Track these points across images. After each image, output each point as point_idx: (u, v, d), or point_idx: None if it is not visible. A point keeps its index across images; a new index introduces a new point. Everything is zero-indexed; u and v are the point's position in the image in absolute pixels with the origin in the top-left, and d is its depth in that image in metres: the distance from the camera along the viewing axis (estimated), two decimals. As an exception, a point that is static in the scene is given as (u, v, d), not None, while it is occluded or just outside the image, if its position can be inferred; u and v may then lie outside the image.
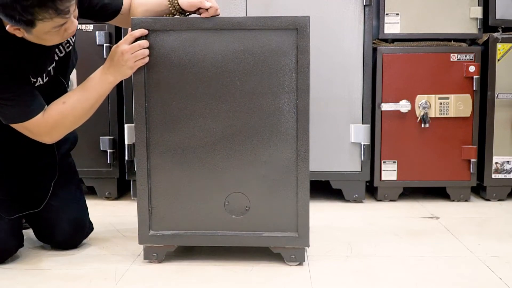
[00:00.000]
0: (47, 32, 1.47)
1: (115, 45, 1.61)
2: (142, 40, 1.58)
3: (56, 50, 1.69)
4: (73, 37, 1.75)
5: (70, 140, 1.91)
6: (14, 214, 1.71)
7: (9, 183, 1.75)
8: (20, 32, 1.48)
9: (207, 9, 1.58)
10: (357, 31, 2.39)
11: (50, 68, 1.68)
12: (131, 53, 1.57)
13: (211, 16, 1.59)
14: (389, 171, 2.48)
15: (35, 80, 1.62)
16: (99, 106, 1.68)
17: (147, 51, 1.59)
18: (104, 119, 2.48)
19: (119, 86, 2.48)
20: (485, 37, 2.47)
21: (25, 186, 1.79)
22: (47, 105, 1.65)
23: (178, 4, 1.64)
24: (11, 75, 1.54)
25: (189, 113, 1.62)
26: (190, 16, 1.66)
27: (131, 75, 1.62)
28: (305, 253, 1.72)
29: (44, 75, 1.66)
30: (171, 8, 1.65)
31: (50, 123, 1.62)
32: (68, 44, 1.73)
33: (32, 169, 1.81)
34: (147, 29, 1.59)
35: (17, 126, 1.62)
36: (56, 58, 1.70)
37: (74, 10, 1.49)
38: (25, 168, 1.80)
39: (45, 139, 1.67)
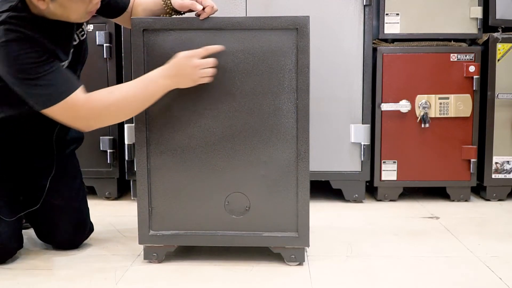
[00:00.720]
0: None
1: (185, 54, 1.55)
2: (213, 58, 1.56)
3: (75, 35, 1.68)
4: (86, 24, 1.75)
5: (76, 139, 1.91)
6: (14, 216, 1.71)
7: (9, 184, 1.75)
8: (44, 3, 1.47)
9: (203, 9, 1.58)
10: (357, 31, 2.39)
11: (70, 52, 1.67)
12: (201, 68, 1.55)
13: (209, 16, 1.59)
14: (389, 171, 2.48)
15: (63, 63, 1.61)
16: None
17: (215, 71, 1.57)
18: (104, 119, 2.48)
19: (119, 86, 2.48)
20: (485, 37, 2.47)
21: (25, 187, 1.79)
22: None
23: (171, 4, 1.65)
24: (43, 52, 1.50)
25: (189, 113, 1.62)
26: (189, 15, 1.66)
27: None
28: (305, 253, 1.72)
29: (68, 59, 1.64)
30: (165, 8, 1.66)
31: (90, 107, 1.54)
32: (83, 32, 1.73)
33: (32, 170, 1.80)
34: (147, 29, 1.59)
35: (54, 109, 1.51)
36: (74, 42, 1.69)
37: None
38: (26, 170, 1.79)
39: (80, 124, 1.59)
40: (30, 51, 1.48)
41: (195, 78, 1.55)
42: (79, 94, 1.54)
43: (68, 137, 1.86)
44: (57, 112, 1.53)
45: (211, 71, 1.56)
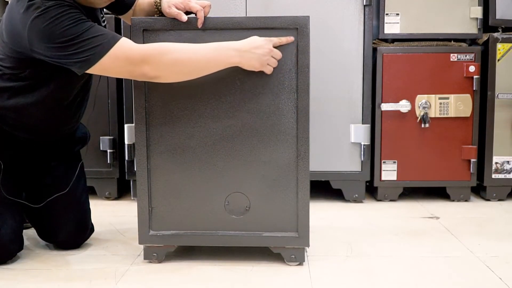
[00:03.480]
0: None
1: (264, 38, 1.55)
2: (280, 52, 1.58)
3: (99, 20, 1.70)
4: (103, 14, 1.77)
5: (83, 139, 1.91)
6: (18, 217, 1.72)
7: (17, 184, 1.74)
8: None
9: (195, 13, 1.59)
10: (357, 31, 2.39)
11: None
12: (272, 55, 1.56)
13: (208, 17, 1.59)
14: (389, 171, 2.48)
15: None
16: (200, 74, 1.55)
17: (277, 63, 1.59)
18: (104, 119, 2.48)
19: (119, 86, 2.48)
20: (485, 37, 2.47)
21: (29, 184, 1.79)
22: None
23: (161, 8, 1.67)
24: (81, 13, 1.50)
25: (189, 113, 1.62)
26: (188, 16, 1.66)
27: None
28: (305, 253, 1.72)
29: None
30: (156, 10, 1.68)
31: (149, 48, 1.50)
32: (104, 18, 1.76)
33: (38, 168, 1.79)
34: (147, 29, 1.59)
35: (106, 60, 1.47)
36: None
37: None
38: (31, 167, 1.79)
39: (136, 72, 1.50)
40: (69, 12, 1.47)
41: (263, 62, 1.56)
42: (128, 41, 1.51)
43: (75, 137, 1.87)
44: (111, 62, 1.48)
45: (276, 62, 1.57)
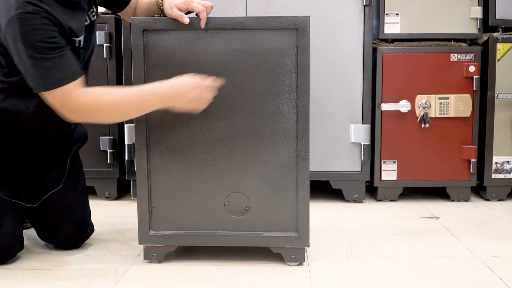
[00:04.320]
0: None
1: (196, 80, 1.56)
2: (215, 91, 1.59)
3: (87, 15, 1.70)
4: (95, 8, 1.76)
5: (81, 139, 1.91)
6: (18, 217, 1.72)
7: (16, 184, 1.74)
8: None
9: (198, 13, 1.59)
10: (357, 31, 2.39)
11: (83, 30, 1.67)
12: (202, 99, 1.57)
13: (208, 17, 1.59)
14: (389, 171, 2.48)
15: (78, 38, 1.62)
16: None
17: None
18: (104, 119, 2.48)
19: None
20: (485, 37, 2.47)
21: (28, 184, 1.79)
22: None
23: (163, 8, 1.67)
24: (59, 33, 1.51)
25: (189, 113, 1.62)
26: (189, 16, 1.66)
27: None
28: (305, 253, 1.72)
29: (82, 34, 1.65)
30: (158, 10, 1.69)
31: (83, 101, 1.55)
32: (94, 13, 1.75)
33: (37, 168, 1.80)
34: (147, 29, 1.59)
35: (49, 94, 1.53)
36: (86, 22, 1.69)
37: None
38: (30, 167, 1.79)
39: (68, 114, 1.57)
40: (45, 29, 1.48)
41: (195, 105, 1.58)
42: (77, 85, 1.55)
43: (73, 137, 1.86)
44: (52, 97, 1.54)
45: (208, 102, 1.58)
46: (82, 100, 1.55)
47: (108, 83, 2.44)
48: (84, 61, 1.72)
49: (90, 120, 1.62)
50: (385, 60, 2.43)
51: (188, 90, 1.55)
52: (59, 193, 1.77)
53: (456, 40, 2.46)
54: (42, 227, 1.84)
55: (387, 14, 2.44)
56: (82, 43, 1.65)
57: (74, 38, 1.61)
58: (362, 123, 2.43)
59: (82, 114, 1.59)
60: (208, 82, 1.57)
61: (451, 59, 2.42)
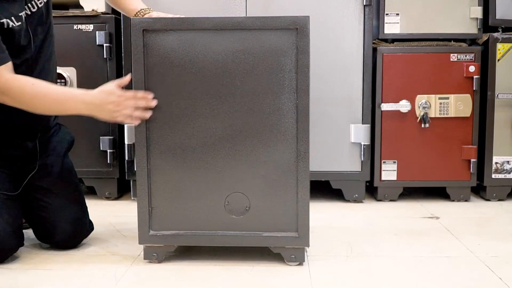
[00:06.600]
0: None
1: (120, 93, 1.59)
2: (134, 102, 1.60)
3: (26, 6, 1.68)
4: None
5: (66, 140, 1.91)
6: (15, 211, 1.72)
7: (9, 181, 1.75)
8: None
9: None
10: (357, 31, 2.39)
11: (22, 14, 1.66)
12: (121, 109, 1.59)
13: (209, 17, 1.60)
14: (389, 171, 2.48)
15: (6, 21, 1.61)
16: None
17: (140, 113, 1.61)
18: (104, 119, 2.48)
19: (119, 86, 2.49)
20: (485, 37, 2.47)
21: (20, 184, 1.79)
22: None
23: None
24: None
25: (189, 113, 1.62)
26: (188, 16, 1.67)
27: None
28: (305, 253, 1.72)
29: (13, 18, 1.63)
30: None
31: (8, 87, 1.59)
32: (42, 2, 1.73)
33: (28, 168, 1.80)
34: (147, 29, 1.59)
35: None
36: (28, 12, 1.68)
37: None
38: (22, 167, 1.79)
39: (4, 99, 1.62)
40: None
41: (114, 116, 1.60)
42: (3, 70, 1.57)
43: (59, 138, 1.87)
44: None
45: (131, 113, 1.59)
46: (7, 86, 1.59)
47: (108, 83, 2.44)
48: (36, 50, 1.72)
49: (13, 104, 1.63)
50: (385, 60, 2.43)
51: (110, 101, 1.59)
52: (52, 194, 1.79)
53: (456, 40, 2.47)
54: (38, 228, 1.84)
55: (387, 14, 2.44)
56: (16, 23, 1.63)
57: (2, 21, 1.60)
58: (362, 123, 2.43)
59: (5, 98, 1.61)
60: (128, 95, 1.59)
61: (451, 59, 2.42)
